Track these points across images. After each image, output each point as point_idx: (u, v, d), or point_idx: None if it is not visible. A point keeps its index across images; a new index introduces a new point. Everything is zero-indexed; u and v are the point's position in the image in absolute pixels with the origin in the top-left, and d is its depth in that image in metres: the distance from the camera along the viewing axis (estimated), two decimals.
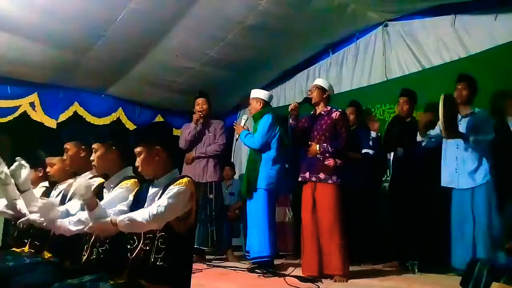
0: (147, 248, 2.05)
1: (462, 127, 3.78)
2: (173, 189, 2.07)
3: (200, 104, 4.87)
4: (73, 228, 2.27)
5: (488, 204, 3.65)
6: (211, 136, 4.83)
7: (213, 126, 4.92)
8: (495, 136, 3.69)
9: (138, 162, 2.23)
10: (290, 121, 3.86)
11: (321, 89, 3.85)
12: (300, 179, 3.81)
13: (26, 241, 3.02)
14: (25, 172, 2.71)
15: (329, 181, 3.62)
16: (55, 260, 2.58)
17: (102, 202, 2.29)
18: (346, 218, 3.65)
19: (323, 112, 3.81)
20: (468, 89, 3.84)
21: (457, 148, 3.83)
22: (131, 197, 2.28)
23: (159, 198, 2.10)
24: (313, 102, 3.85)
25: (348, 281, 3.46)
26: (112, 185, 2.49)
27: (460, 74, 3.93)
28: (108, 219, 2.05)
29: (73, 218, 2.30)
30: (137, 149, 2.23)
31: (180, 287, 2.12)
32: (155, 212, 1.98)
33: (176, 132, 6.82)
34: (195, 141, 4.86)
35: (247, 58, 5.61)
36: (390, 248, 4.40)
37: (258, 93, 4.51)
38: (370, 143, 4.63)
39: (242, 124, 4.47)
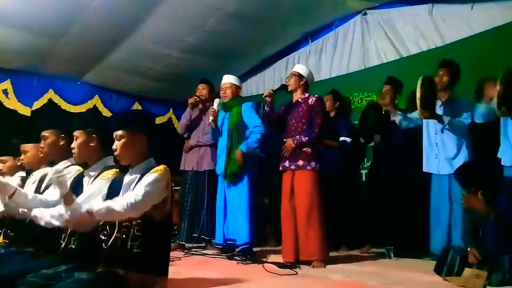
0: (124, 236, 2.04)
1: (441, 112, 3.84)
2: (150, 177, 2.05)
3: (199, 90, 4.77)
4: (55, 222, 2.24)
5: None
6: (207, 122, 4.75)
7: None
8: (473, 123, 3.75)
9: (116, 146, 2.19)
10: (265, 108, 3.82)
11: (299, 76, 3.81)
12: (280, 168, 3.81)
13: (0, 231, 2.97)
14: None
15: (308, 167, 3.63)
16: (30, 250, 2.55)
17: (84, 193, 2.28)
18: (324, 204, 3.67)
19: (300, 100, 3.79)
20: (449, 75, 3.88)
21: (436, 134, 3.90)
22: (104, 190, 2.25)
23: (135, 186, 2.08)
24: (289, 89, 3.82)
25: (326, 266, 3.49)
26: (92, 174, 2.45)
27: (442, 59, 3.96)
28: (84, 210, 2.02)
29: (54, 211, 2.25)
30: (119, 133, 2.19)
31: (158, 273, 2.11)
32: (133, 201, 1.96)
33: (158, 120, 6.80)
34: (193, 127, 4.79)
35: (226, 46, 5.57)
36: (365, 233, 4.47)
37: (233, 79, 4.44)
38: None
39: (214, 107, 4.36)
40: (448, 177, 3.81)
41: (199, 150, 4.76)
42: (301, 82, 3.81)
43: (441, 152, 3.87)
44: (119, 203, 1.99)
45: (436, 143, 3.91)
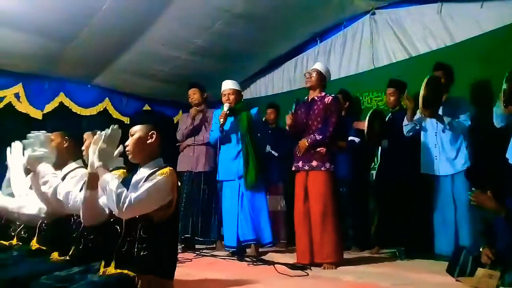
0: (131, 238, 2.04)
1: (439, 113, 3.83)
2: (153, 179, 2.04)
3: (190, 95, 4.85)
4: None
5: (468, 190, 3.69)
6: (206, 125, 4.77)
7: (207, 115, 4.84)
8: (473, 123, 3.74)
9: (128, 143, 2.20)
10: (287, 128, 3.84)
11: (320, 74, 3.82)
12: (293, 168, 3.80)
13: (13, 233, 3.00)
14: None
15: (322, 168, 3.61)
16: (43, 251, 2.57)
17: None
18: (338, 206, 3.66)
19: (316, 98, 3.78)
20: (445, 78, 3.89)
21: (436, 135, 3.89)
22: None
23: (141, 186, 2.07)
24: (309, 85, 3.82)
25: (337, 268, 3.48)
26: None
27: (436, 62, 3.99)
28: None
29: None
30: (134, 129, 2.21)
31: (165, 276, 2.11)
32: (126, 203, 1.96)
33: None
34: (194, 134, 4.84)
35: (235, 47, 5.57)
36: (374, 233, 4.48)
37: (235, 84, 4.51)
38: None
39: (225, 109, 4.39)
40: (450, 178, 3.80)
41: (195, 150, 4.78)
42: (322, 81, 3.82)
43: (441, 153, 3.88)
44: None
45: (435, 144, 3.91)
